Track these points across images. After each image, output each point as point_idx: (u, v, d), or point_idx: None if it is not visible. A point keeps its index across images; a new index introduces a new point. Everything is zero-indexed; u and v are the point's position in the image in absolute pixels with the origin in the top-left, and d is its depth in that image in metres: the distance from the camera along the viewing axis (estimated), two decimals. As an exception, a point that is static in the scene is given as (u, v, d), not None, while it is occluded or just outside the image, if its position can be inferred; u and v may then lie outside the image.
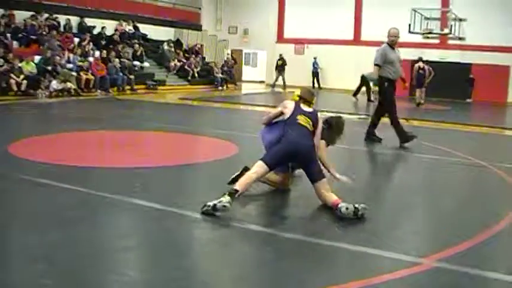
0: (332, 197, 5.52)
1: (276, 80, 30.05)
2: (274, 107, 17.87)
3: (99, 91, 19.91)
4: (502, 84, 27.09)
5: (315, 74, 31.48)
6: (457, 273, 4.05)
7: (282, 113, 6.16)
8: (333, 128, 6.49)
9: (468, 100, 26.83)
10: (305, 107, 6.10)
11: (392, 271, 4.02)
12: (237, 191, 5.37)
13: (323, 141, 6.23)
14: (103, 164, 7.56)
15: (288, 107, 6.11)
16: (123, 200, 5.62)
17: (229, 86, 28.01)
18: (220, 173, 6.45)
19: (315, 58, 31.43)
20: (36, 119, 13.58)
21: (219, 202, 5.17)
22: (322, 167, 5.88)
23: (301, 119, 5.92)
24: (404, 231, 5.24)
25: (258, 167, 5.63)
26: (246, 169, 6.08)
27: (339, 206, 5.36)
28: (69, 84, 18.33)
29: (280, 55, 30.61)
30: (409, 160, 9.34)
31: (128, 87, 21.65)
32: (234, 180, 5.90)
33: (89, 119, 12.99)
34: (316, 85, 30.89)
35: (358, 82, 23.68)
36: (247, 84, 32.13)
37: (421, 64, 22.02)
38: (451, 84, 25.54)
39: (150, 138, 10.48)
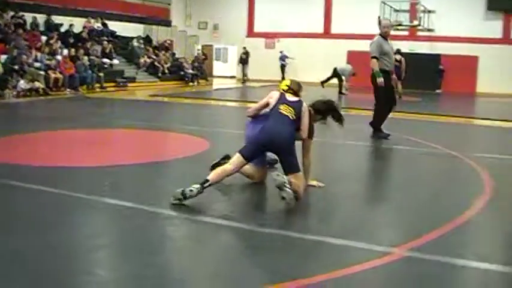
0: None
1: (244, 75, 30.19)
2: (247, 101, 17.85)
3: (68, 90, 19.68)
4: (471, 75, 27.43)
5: (283, 67, 31.20)
6: (428, 262, 4.08)
7: (267, 104, 6.11)
8: (324, 108, 6.40)
9: (438, 91, 27.12)
10: (290, 97, 6.06)
11: (363, 261, 4.02)
12: (207, 180, 5.40)
13: (310, 141, 6.18)
14: (73, 163, 7.46)
15: (274, 97, 6.07)
16: (94, 199, 5.56)
17: (200, 81, 27.93)
18: (192, 169, 6.43)
19: (281, 52, 31.29)
20: (3, 119, 13.36)
21: (189, 189, 5.26)
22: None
23: (283, 108, 5.87)
24: (375, 222, 5.26)
25: (235, 159, 5.64)
26: (227, 157, 6.16)
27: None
28: (37, 84, 18.10)
29: (244, 48, 30.56)
30: (380, 151, 9.40)
31: (98, 85, 21.45)
32: (214, 167, 5.96)
33: (58, 118, 12.83)
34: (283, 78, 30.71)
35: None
36: (218, 80, 32.07)
37: (397, 56, 22.22)
38: (421, 75, 25.72)
39: (121, 136, 10.39)
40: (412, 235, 4.68)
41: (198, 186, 5.30)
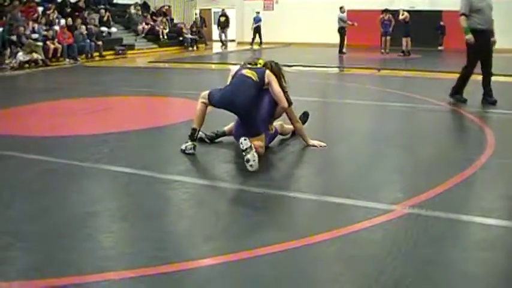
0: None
1: (223, 41, 28.66)
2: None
3: (67, 60, 19.54)
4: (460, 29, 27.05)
5: (257, 29, 29.53)
6: (430, 218, 4.05)
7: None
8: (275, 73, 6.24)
9: (440, 48, 26.83)
10: (250, 66, 6.14)
11: (364, 220, 3.99)
12: (195, 129, 5.90)
13: (291, 108, 6.12)
14: (71, 132, 7.42)
15: (234, 68, 6.20)
16: (91, 166, 5.54)
17: (199, 46, 27.70)
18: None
19: (257, 13, 30.16)
20: (2, 91, 13.29)
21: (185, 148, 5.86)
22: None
23: (246, 71, 5.95)
24: (376, 180, 5.21)
25: (202, 99, 6.03)
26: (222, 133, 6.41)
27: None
28: (35, 55, 17.96)
29: (223, 10, 29.79)
30: (381, 110, 9.31)
31: (97, 53, 21.27)
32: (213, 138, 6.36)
33: (57, 89, 12.75)
34: (258, 40, 29.28)
35: (330, 35, 23.57)
36: (218, 44, 31.79)
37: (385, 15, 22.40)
38: (422, 32, 25.40)
39: (120, 103, 10.33)
40: (413, 192, 4.64)
41: (190, 143, 5.92)
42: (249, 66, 6.11)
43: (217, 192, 4.89)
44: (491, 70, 9.26)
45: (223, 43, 28.19)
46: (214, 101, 5.91)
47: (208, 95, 5.96)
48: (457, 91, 9.50)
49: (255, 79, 5.84)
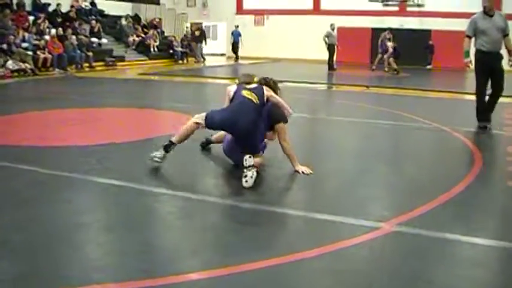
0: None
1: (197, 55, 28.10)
2: (235, 78, 17.76)
3: (57, 70, 19.52)
4: (462, 50, 27.23)
5: (235, 44, 29.51)
6: (417, 236, 4.08)
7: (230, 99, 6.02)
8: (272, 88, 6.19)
9: (428, 67, 27.02)
10: (248, 85, 6.03)
11: (351, 237, 4.01)
12: (173, 143, 5.88)
13: (282, 126, 5.98)
14: (60, 143, 7.40)
15: (231, 89, 6.04)
16: (79, 178, 5.53)
17: (189, 59, 27.73)
18: (180, 146, 6.35)
19: (236, 27, 30.00)
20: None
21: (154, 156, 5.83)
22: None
23: (246, 93, 5.83)
24: (363, 197, 5.24)
25: (197, 119, 5.84)
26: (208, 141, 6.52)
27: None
28: (25, 64, 17.92)
29: (198, 24, 29.65)
30: (369, 127, 9.35)
31: (87, 64, 21.28)
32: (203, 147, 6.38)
33: (47, 99, 12.71)
34: (236, 58, 29.11)
35: (320, 52, 23.72)
36: (208, 57, 31.79)
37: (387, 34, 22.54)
38: (411, 51, 25.58)
39: (110, 114, 10.32)
40: (400, 210, 4.67)
41: (161, 153, 5.86)
42: (246, 86, 5.97)
43: (205, 206, 4.88)
44: (497, 92, 9.01)
45: (197, 58, 27.68)
46: (213, 123, 5.77)
47: (206, 117, 5.76)
48: (480, 115, 9.00)
49: (255, 101, 5.75)
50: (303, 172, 5.77)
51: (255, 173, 5.30)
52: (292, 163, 5.90)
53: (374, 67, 22.66)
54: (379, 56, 22.68)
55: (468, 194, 5.32)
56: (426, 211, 4.64)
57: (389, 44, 22.09)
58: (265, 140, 6.22)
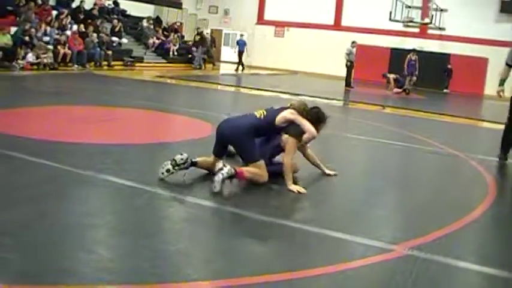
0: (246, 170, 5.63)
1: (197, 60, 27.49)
2: (253, 88, 17.77)
3: (75, 66, 19.64)
4: (480, 76, 27.24)
5: (240, 53, 28.33)
6: (428, 261, 4.05)
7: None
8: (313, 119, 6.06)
9: (445, 90, 27.00)
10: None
11: (363, 257, 4.00)
12: (193, 163, 5.80)
13: (292, 140, 5.89)
14: (76, 139, 7.43)
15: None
16: (94, 176, 5.54)
17: (207, 65, 27.81)
18: (196, 152, 6.37)
19: (241, 35, 29.48)
20: (10, 91, 13.33)
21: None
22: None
23: (258, 110, 5.97)
24: (377, 218, 5.23)
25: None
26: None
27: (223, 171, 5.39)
28: (45, 58, 18.04)
29: (198, 29, 29.11)
30: (384, 147, 9.34)
31: (105, 62, 21.41)
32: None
33: (64, 94, 12.80)
34: (240, 66, 28.20)
35: (338, 68, 23.73)
36: (226, 65, 31.94)
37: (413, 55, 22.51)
38: (428, 73, 25.58)
39: (126, 115, 10.36)
40: (413, 234, 4.65)
41: (186, 156, 5.72)
42: (270, 107, 6.04)
43: (219, 215, 4.89)
44: None
45: (194, 63, 27.01)
46: (214, 149, 6.01)
47: (213, 153, 6.05)
48: (504, 148, 8.56)
49: (258, 116, 5.85)
50: (298, 191, 5.63)
51: (219, 176, 5.31)
52: (286, 181, 5.75)
53: (408, 90, 22.27)
54: (408, 78, 22.51)
55: (481, 223, 5.32)
56: (439, 236, 4.62)
57: (392, 76, 22.20)
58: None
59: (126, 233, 4.18)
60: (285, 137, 6.02)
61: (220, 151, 5.99)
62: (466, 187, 6.99)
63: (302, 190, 5.67)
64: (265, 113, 5.90)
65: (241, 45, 28.54)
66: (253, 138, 5.82)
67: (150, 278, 3.38)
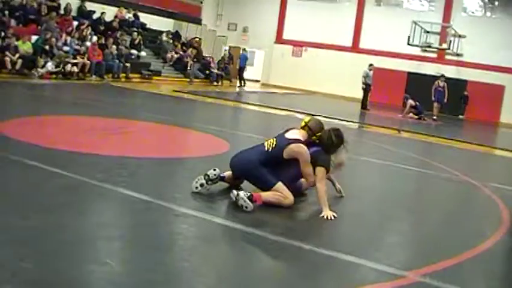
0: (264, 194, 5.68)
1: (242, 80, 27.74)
2: (269, 107, 17.81)
3: (94, 76, 19.80)
4: (496, 104, 27.20)
5: (241, 70, 28.44)
6: (440, 290, 4.05)
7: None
8: (332, 143, 6.09)
9: (461, 117, 26.93)
10: (290, 134, 6.00)
11: (375, 282, 4.00)
12: (221, 177, 6.05)
13: (321, 169, 5.86)
14: (93, 150, 7.49)
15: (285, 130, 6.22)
16: (110, 188, 5.57)
17: (224, 82, 27.92)
18: (210, 169, 6.41)
19: (243, 50, 29.52)
20: (29, 99, 13.49)
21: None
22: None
23: (267, 140, 6.05)
24: (390, 244, 5.22)
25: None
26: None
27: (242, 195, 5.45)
28: (64, 67, 18.22)
29: (192, 40, 28.50)
30: (398, 172, 9.33)
31: (123, 74, 21.56)
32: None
33: (82, 104, 12.91)
34: (241, 82, 28.43)
35: (355, 90, 23.76)
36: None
37: (441, 82, 22.51)
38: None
39: (142, 128, 10.43)
40: (425, 261, 4.64)
41: (218, 172, 5.93)
42: (286, 132, 6.05)
43: (231, 233, 4.90)
44: None
45: (189, 77, 25.89)
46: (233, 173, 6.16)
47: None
48: None
49: (267, 148, 5.91)
50: (327, 217, 5.58)
51: (241, 201, 5.39)
52: (320, 204, 5.76)
53: (435, 117, 22.25)
54: (435, 104, 22.48)
55: (494, 253, 5.29)
56: (451, 265, 4.60)
57: (410, 102, 22.16)
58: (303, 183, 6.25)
59: (139, 247, 4.21)
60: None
61: (237, 177, 6.17)
62: (480, 216, 6.97)
63: (332, 216, 5.61)
64: (274, 143, 5.92)
65: (242, 60, 28.24)
66: (263, 167, 5.86)
67: (162, 293, 3.40)
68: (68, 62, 18.47)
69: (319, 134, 6.09)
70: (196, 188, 5.78)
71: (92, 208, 5.03)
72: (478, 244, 5.33)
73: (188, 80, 25.53)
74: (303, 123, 6.14)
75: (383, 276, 4.16)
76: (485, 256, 5.12)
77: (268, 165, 5.87)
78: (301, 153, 5.82)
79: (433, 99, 22.33)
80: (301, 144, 5.85)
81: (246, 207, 5.37)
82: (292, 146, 5.83)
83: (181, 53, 26.78)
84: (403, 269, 4.34)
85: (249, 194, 5.44)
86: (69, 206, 4.93)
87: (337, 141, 6.09)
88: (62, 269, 3.58)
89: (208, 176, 5.83)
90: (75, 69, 18.75)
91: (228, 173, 6.12)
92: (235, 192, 5.49)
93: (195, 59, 26.88)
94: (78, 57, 19.35)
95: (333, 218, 5.58)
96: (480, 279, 4.57)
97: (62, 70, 18.18)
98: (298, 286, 3.77)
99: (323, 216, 5.58)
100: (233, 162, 6.05)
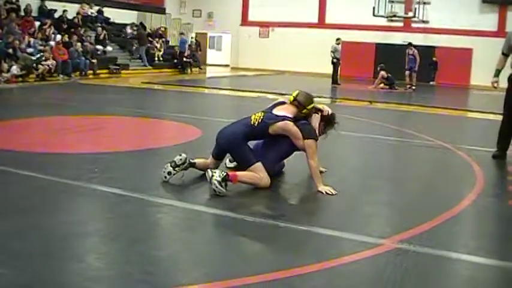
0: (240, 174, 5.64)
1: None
2: (239, 90, 17.81)
3: (61, 76, 19.57)
4: (465, 68, 27.36)
5: (181, 54, 27.30)
6: (419, 254, 4.07)
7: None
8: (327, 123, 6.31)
9: (431, 83, 27.08)
10: (278, 111, 5.94)
11: (353, 253, 4.01)
12: (191, 164, 5.91)
13: (310, 143, 5.84)
14: (64, 150, 7.43)
15: (277, 100, 6.23)
16: (82, 186, 5.53)
17: (193, 69, 27.77)
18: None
19: (181, 34, 28.97)
20: (-4, 104, 13.29)
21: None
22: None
23: (258, 113, 5.95)
24: (366, 213, 5.24)
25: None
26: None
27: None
28: (29, 69, 17.99)
29: (133, 24, 27.67)
30: (372, 143, 9.36)
31: (91, 71, 21.34)
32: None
33: (51, 105, 12.74)
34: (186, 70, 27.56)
35: (325, 66, 23.81)
36: (212, 68, 31.94)
37: (410, 50, 22.41)
38: (414, 67, 25.66)
39: (113, 123, 10.34)
40: (402, 227, 4.66)
41: (184, 157, 5.84)
42: (275, 107, 6.01)
43: (208, 218, 4.90)
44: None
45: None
46: (214, 151, 6.09)
47: (211, 154, 6.14)
48: (502, 141, 8.10)
49: (253, 121, 5.84)
50: (326, 193, 5.60)
51: (214, 183, 5.33)
52: (316, 182, 5.77)
53: (414, 87, 22.09)
54: (407, 73, 22.35)
55: (470, 213, 5.35)
56: (428, 229, 4.64)
57: (382, 73, 22.12)
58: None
59: (115, 241, 4.18)
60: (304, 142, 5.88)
61: (219, 154, 6.05)
62: (455, 178, 7.02)
63: (333, 191, 5.63)
64: (261, 117, 5.86)
65: (181, 44, 27.50)
66: (246, 144, 5.85)
67: (141, 285, 3.38)
68: (39, 63, 18.23)
69: (310, 106, 6.08)
70: (165, 177, 5.73)
71: (65, 207, 4.97)
72: (454, 206, 5.37)
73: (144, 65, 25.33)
74: (291, 98, 6.07)
75: (361, 246, 4.17)
76: (461, 217, 5.19)
77: (253, 139, 5.93)
78: (289, 130, 5.82)
79: (406, 68, 22.31)
80: (288, 121, 5.83)
81: (219, 192, 5.33)
82: (279, 123, 5.81)
83: (148, 44, 26.53)
84: (380, 237, 4.37)
85: (224, 173, 5.41)
86: (41, 206, 4.89)
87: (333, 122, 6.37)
88: (37, 270, 3.53)
89: (175, 161, 5.78)
90: (41, 68, 18.52)
91: (199, 160, 6.03)
92: (210, 172, 5.42)
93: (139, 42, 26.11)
94: (49, 57, 19.04)
95: (329, 192, 5.60)
96: (457, 239, 4.61)
97: (34, 72, 17.94)
98: (278, 265, 3.77)
99: (324, 192, 5.60)
100: (219, 134, 5.95)
